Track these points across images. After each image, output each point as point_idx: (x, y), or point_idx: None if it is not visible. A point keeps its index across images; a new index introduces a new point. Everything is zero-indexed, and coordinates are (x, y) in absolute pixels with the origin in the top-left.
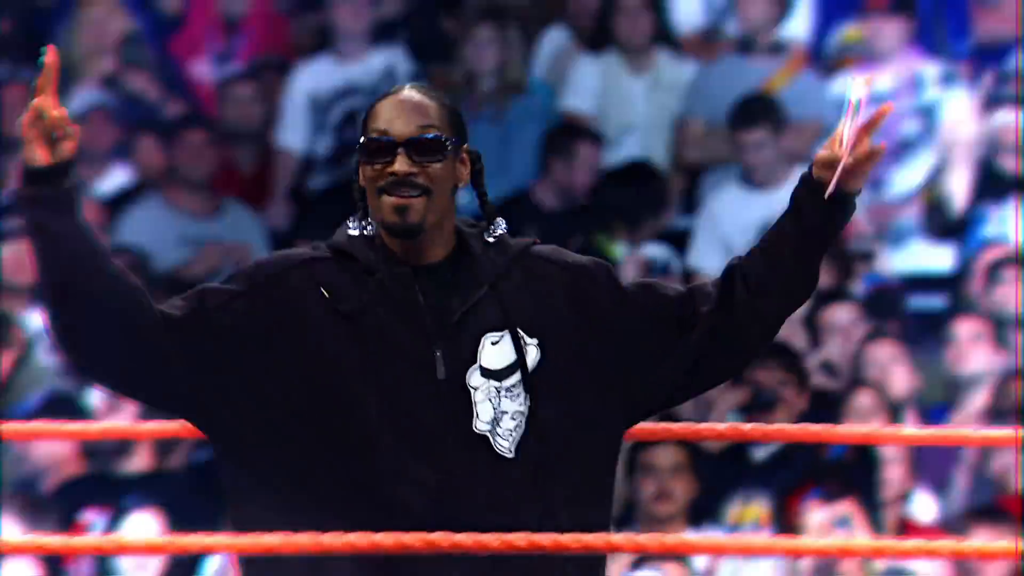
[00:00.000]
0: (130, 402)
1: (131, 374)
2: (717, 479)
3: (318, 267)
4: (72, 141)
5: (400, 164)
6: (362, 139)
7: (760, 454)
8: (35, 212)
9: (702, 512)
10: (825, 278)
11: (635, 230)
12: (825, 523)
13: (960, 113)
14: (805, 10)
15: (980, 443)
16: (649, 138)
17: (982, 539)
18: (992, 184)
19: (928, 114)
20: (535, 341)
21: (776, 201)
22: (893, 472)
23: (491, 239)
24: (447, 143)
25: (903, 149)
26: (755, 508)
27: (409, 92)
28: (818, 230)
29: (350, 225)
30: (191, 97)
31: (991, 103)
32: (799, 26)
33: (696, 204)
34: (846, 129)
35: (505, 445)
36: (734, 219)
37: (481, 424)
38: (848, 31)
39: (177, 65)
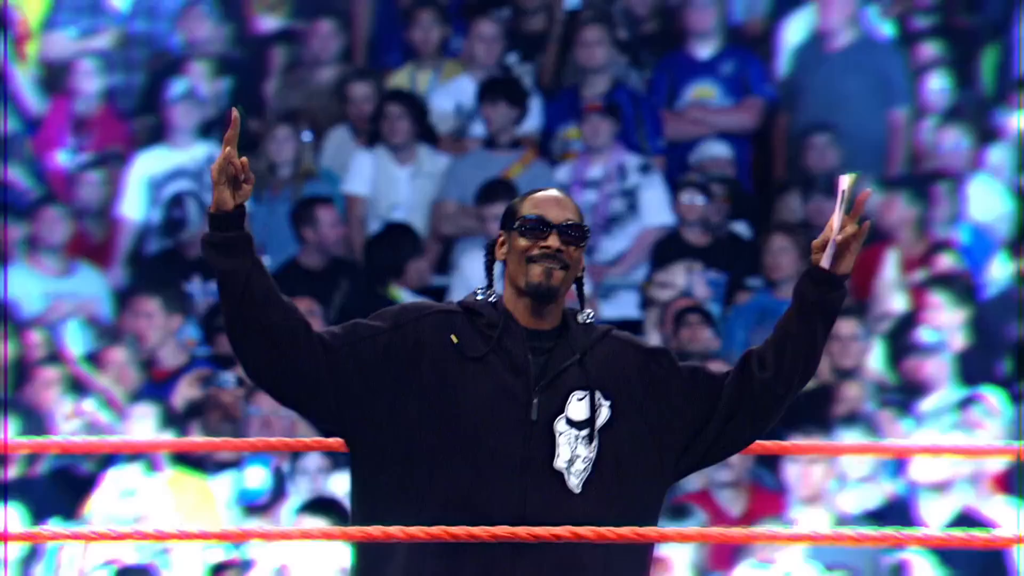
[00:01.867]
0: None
1: (293, 388)
2: None
3: (451, 318)
4: (250, 185)
5: (553, 240)
6: (522, 217)
7: None
8: (222, 253)
9: None
10: None
11: (401, 280)
12: None
13: (655, 195)
14: (537, 112)
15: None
16: (412, 215)
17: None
18: (677, 251)
19: (630, 196)
20: (608, 403)
21: None
22: None
23: (585, 321)
24: (588, 233)
25: (611, 223)
26: None
27: (556, 191)
28: (817, 309)
29: (478, 292)
30: (49, 182)
31: (679, 187)
32: (532, 125)
33: (450, 266)
34: (836, 216)
35: (575, 482)
36: (481, 279)
37: (560, 462)
38: (570, 130)
39: (39, 157)
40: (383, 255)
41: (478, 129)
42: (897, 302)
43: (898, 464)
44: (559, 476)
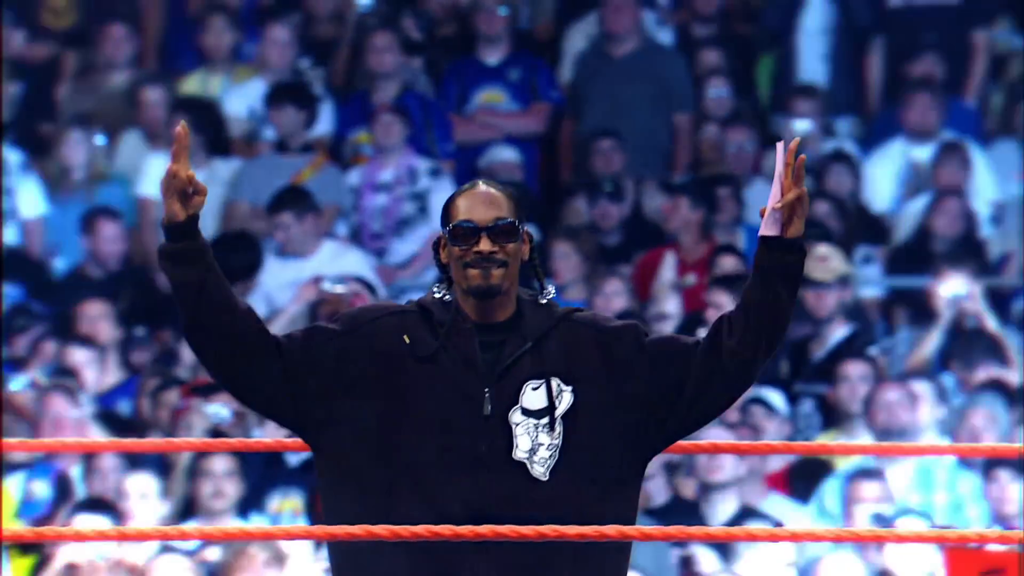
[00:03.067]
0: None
1: (251, 389)
2: (260, 479)
3: (406, 318)
4: (201, 196)
5: (484, 245)
6: (450, 226)
7: (294, 459)
8: (175, 263)
9: (250, 505)
10: None
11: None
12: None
13: (444, 198)
14: (328, 116)
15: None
16: (204, 219)
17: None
18: None
19: (421, 199)
20: (570, 388)
21: (307, 268)
22: None
23: (543, 302)
24: (519, 228)
25: (402, 226)
26: (292, 501)
27: (483, 185)
28: (775, 274)
29: (435, 290)
30: None
31: None
32: (323, 129)
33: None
34: (777, 182)
35: (540, 471)
36: (274, 280)
37: (520, 453)
38: (360, 134)
39: None
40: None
41: (270, 133)
42: (672, 304)
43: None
44: (521, 466)
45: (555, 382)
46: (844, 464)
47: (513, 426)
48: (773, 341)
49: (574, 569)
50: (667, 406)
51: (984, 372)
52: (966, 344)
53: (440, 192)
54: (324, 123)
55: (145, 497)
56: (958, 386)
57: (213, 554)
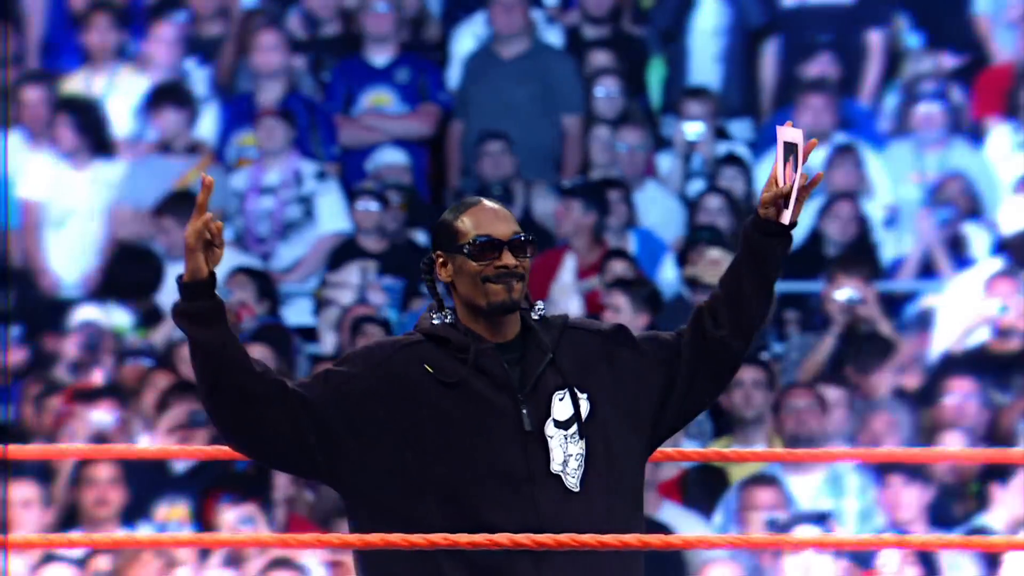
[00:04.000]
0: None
1: (274, 448)
2: (146, 487)
3: (417, 349)
4: (221, 250)
5: (507, 259)
6: (470, 242)
7: (180, 467)
8: (199, 325)
9: (135, 513)
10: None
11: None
12: (234, 521)
13: (331, 202)
14: (211, 118)
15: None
16: (88, 221)
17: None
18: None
19: (307, 202)
20: (585, 395)
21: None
22: (282, 479)
23: (537, 317)
24: (534, 240)
25: (288, 230)
26: (178, 509)
27: (488, 202)
28: (768, 260)
29: (433, 317)
30: None
31: (355, 194)
32: (208, 131)
33: None
34: (780, 168)
35: (572, 482)
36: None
37: (555, 465)
38: (245, 136)
39: None
40: (121, 275)
41: (153, 134)
42: (573, 307)
43: None
44: (558, 479)
45: (574, 391)
46: (740, 472)
47: (548, 439)
48: (761, 326)
49: None
50: (663, 404)
51: (880, 377)
52: (861, 349)
53: (326, 195)
54: (209, 125)
55: (27, 505)
56: (855, 392)
57: (103, 562)
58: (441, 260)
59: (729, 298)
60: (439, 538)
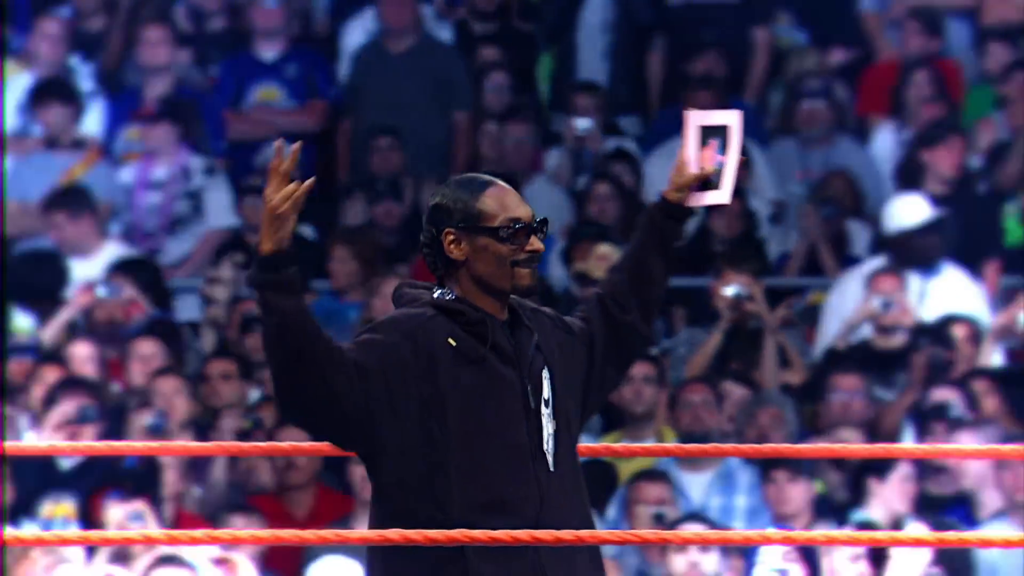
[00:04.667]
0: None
1: (332, 415)
2: (31, 484)
3: (438, 322)
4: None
5: (537, 243)
6: (504, 225)
7: (66, 463)
8: (285, 294)
9: (21, 511)
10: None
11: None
12: (123, 518)
13: (219, 197)
14: (97, 113)
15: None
16: None
17: (238, 528)
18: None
19: (195, 198)
20: (548, 375)
21: (84, 270)
22: (170, 476)
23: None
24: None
25: (176, 225)
26: (64, 507)
27: (501, 182)
28: (674, 243)
29: (437, 292)
30: None
31: (243, 190)
32: (94, 126)
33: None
34: (690, 151)
35: (550, 460)
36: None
37: (544, 444)
38: (132, 131)
39: None
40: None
41: (39, 129)
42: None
43: None
44: (545, 457)
45: (552, 371)
46: (631, 467)
47: (542, 417)
48: (659, 306)
49: (591, 561)
50: (587, 390)
51: (765, 372)
52: (748, 344)
53: (214, 191)
54: (95, 120)
55: None
56: (742, 387)
57: None
58: (452, 238)
59: (635, 282)
60: (394, 534)
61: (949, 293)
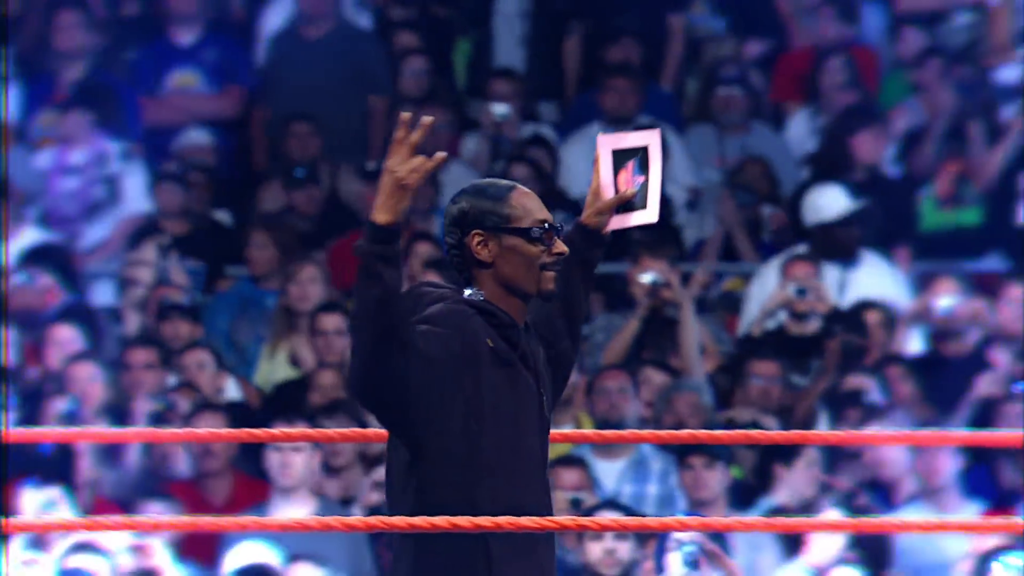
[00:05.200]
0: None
1: (396, 398)
2: None
3: (477, 322)
4: None
5: (561, 246)
6: (538, 226)
7: None
8: (392, 266)
9: None
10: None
11: None
12: (37, 505)
13: (135, 183)
14: (13, 98)
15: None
16: None
17: (153, 513)
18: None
19: (111, 183)
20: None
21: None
22: (84, 462)
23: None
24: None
25: (92, 211)
26: None
27: (524, 187)
28: (594, 265)
29: (467, 292)
30: None
31: (159, 175)
32: (10, 111)
33: None
34: (604, 175)
35: (547, 468)
36: None
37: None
38: (48, 117)
39: None
40: None
41: None
42: None
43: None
44: (544, 464)
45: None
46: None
47: (549, 427)
48: (583, 324)
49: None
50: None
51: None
52: (665, 331)
53: (131, 176)
54: (11, 105)
55: None
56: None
57: None
58: (480, 239)
59: (564, 306)
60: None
61: (869, 281)
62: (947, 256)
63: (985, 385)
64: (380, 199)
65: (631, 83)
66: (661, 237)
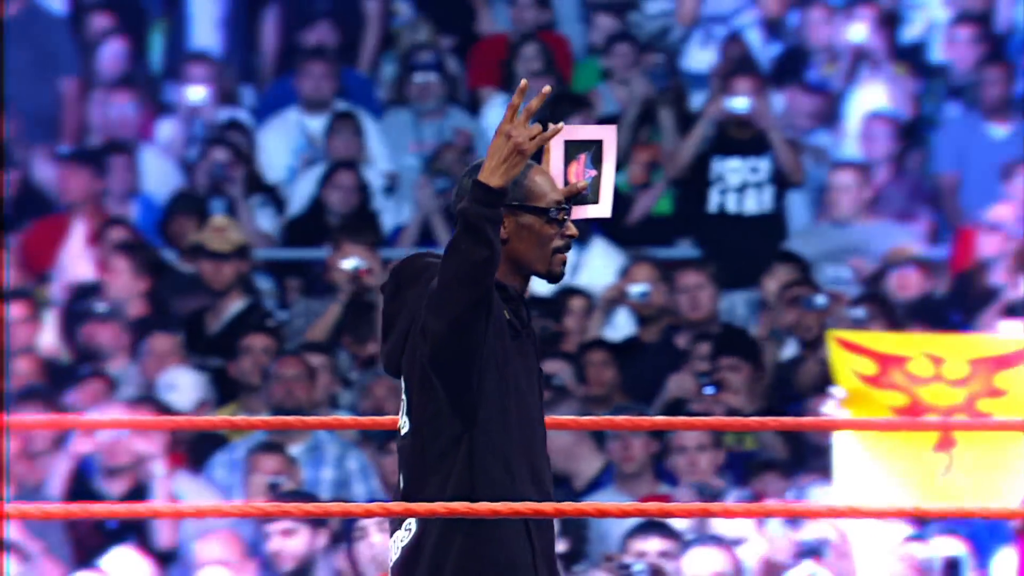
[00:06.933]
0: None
1: (475, 363)
2: None
3: (495, 294)
4: None
5: (572, 229)
6: (556, 207)
7: None
8: (497, 229)
9: None
10: None
11: None
12: None
13: None
14: None
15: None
16: None
17: None
18: None
19: None
20: None
21: None
22: None
23: None
24: None
25: None
26: None
27: (540, 166)
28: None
29: None
30: None
31: None
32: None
33: None
34: (560, 170)
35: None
36: None
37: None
38: None
39: None
40: None
41: None
42: (83, 274)
43: None
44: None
45: None
46: (241, 438)
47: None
48: None
49: None
50: None
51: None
52: (363, 318)
53: None
54: None
55: None
56: (352, 361)
57: None
58: (507, 219)
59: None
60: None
61: (597, 265)
62: (639, 243)
63: (676, 382)
64: (493, 163)
65: (327, 67)
66: (359, 223)
